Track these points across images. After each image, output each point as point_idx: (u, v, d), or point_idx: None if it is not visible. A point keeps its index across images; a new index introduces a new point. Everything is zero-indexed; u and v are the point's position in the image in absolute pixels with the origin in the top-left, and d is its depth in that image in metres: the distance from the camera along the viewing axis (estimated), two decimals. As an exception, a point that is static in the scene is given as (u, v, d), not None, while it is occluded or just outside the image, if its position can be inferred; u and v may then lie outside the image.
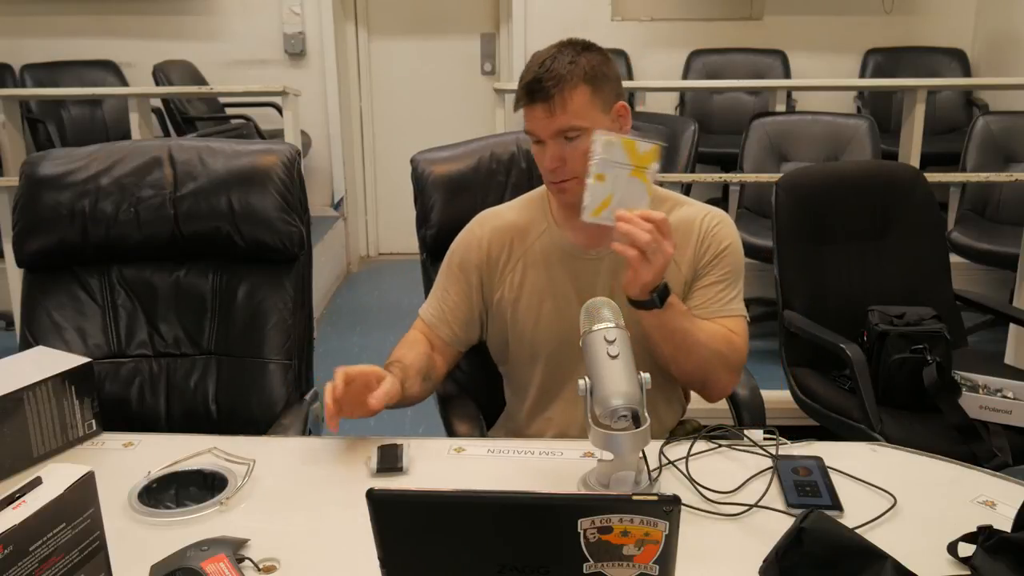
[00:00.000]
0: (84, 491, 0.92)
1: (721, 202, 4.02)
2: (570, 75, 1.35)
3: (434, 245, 1.78)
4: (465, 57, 4.92)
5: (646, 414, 1.15)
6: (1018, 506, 1.02)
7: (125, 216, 1.67)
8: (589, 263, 1.49)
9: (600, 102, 1.39)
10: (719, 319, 1.46)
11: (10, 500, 0.87)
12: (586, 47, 1.40)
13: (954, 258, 2.64)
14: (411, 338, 1.55)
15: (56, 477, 0.91)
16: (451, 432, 1.59)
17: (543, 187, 1.58)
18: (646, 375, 1.18)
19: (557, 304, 1.49)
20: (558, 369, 1.51)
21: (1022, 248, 2.85)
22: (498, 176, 1.79)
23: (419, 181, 1.78)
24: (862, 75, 4.79)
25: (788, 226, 2.19)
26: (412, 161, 1.80)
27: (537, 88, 1.36)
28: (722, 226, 1.50)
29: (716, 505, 1.17)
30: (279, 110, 4.03)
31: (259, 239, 1.68)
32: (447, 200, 1.77)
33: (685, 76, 4.78)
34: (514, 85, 1.42)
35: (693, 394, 1.60)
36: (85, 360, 1.36)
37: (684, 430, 1.55)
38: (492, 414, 1.68)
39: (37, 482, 0.89)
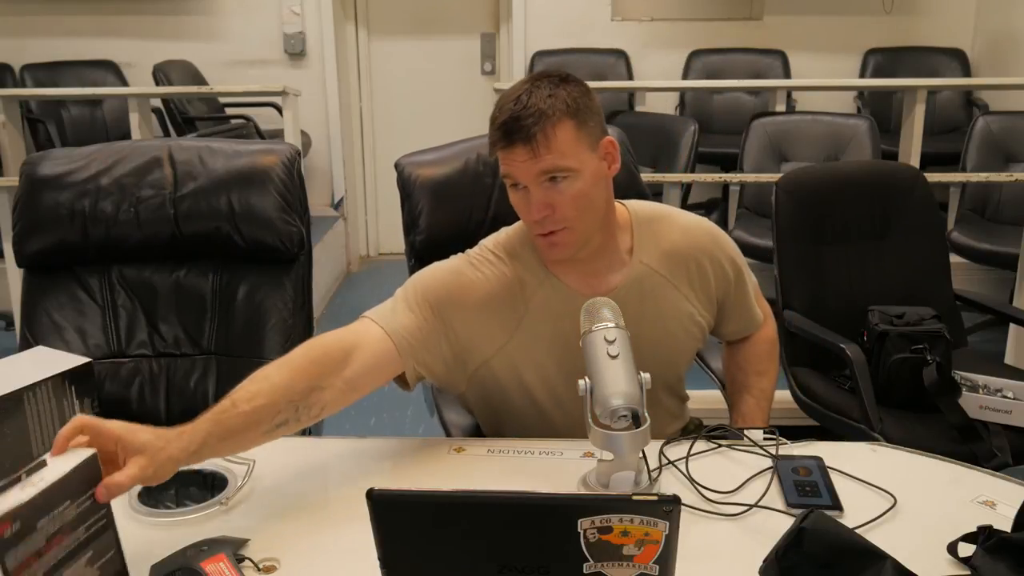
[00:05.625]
0: (88, 471, 0.94)
1: (721, 202, 4.03)
2: (551, 109, 1.22)
3: (423, 250, 1.73)
4: (465, 57, 4.92)
5: (646, 414, 1.15)
6: (1018, 506, 1.02)
7: (125, 216, 1.67)
8: None
9: (586, 138, 1.26)
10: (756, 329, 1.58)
11: (17, 480, 0.88)
12: (563, 79, 1.27)
13: (954, 258, 2.64)
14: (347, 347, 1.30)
15: (61, 459, 0.93)
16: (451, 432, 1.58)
17: (520, 226, 1.39)
18: (646, 375, 1.18)
19: (567, 355, 1.33)
20: (569, 413, 1.36)
21: (1022, 248, 2.85)
22: (485, 178, 1.75)
23: (405, 185, 1.73)
24: (862, 75, 4.79)
25: (788, 226, 2.19)
26: (397, 165, 1.73)
27: (515, 127, 1.22)
28: (716, 244, 1.46)
29: (716, 505, 1.17)
30: (279, 110, 4.03)
31: (259, 239, 1.68)
32: (435, 204, 1.72)
33: (685, 76, 4.78)
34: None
35: (691, 393, 1.60)
36: (85, 360, 1.37)
37: (684, 430, 1.55)
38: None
39: (42, 464, 0.91)
